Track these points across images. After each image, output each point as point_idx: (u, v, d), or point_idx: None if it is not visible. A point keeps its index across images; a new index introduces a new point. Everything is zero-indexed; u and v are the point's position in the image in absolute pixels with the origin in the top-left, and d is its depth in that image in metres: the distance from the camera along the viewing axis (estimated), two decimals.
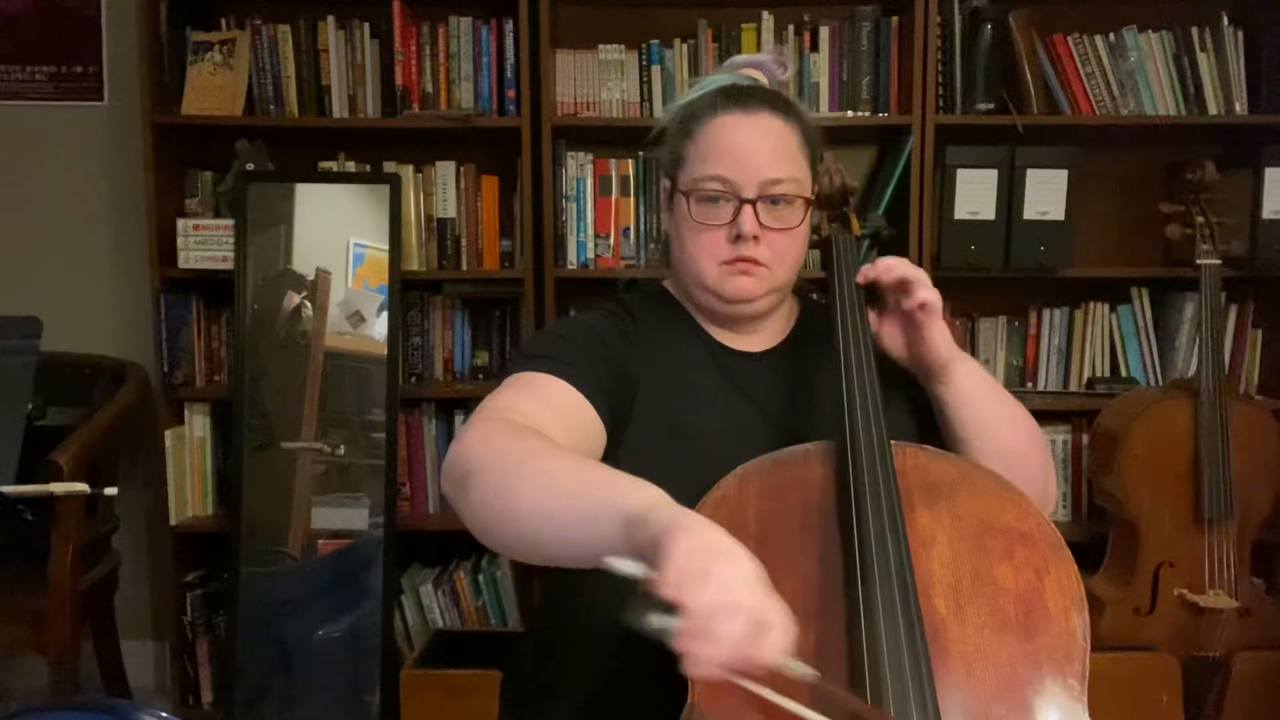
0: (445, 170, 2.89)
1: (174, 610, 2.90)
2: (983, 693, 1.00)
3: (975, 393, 1.32)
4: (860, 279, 1.35)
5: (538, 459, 1.04)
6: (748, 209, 1.29)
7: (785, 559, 1.07)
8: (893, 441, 1.17)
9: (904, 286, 1.31)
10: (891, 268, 1.32)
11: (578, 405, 1.22)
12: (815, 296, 1.55)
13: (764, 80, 1.43)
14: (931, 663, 0.98)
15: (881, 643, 0.98)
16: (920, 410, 1.38)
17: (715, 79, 1.42)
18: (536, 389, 1.22)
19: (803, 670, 0.86)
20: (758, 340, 1.41)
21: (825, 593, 1.04)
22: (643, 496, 0.93)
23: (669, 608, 0.81)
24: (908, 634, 0.99)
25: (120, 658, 2.84)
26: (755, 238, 1.30)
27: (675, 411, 1.31)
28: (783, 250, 1.33)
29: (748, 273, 1.32)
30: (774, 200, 1.31)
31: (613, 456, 1.26)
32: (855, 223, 1.48)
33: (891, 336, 1.35)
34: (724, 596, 0.81)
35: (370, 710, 2.70)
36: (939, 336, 1.30)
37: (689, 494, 1.12)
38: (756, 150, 1.31)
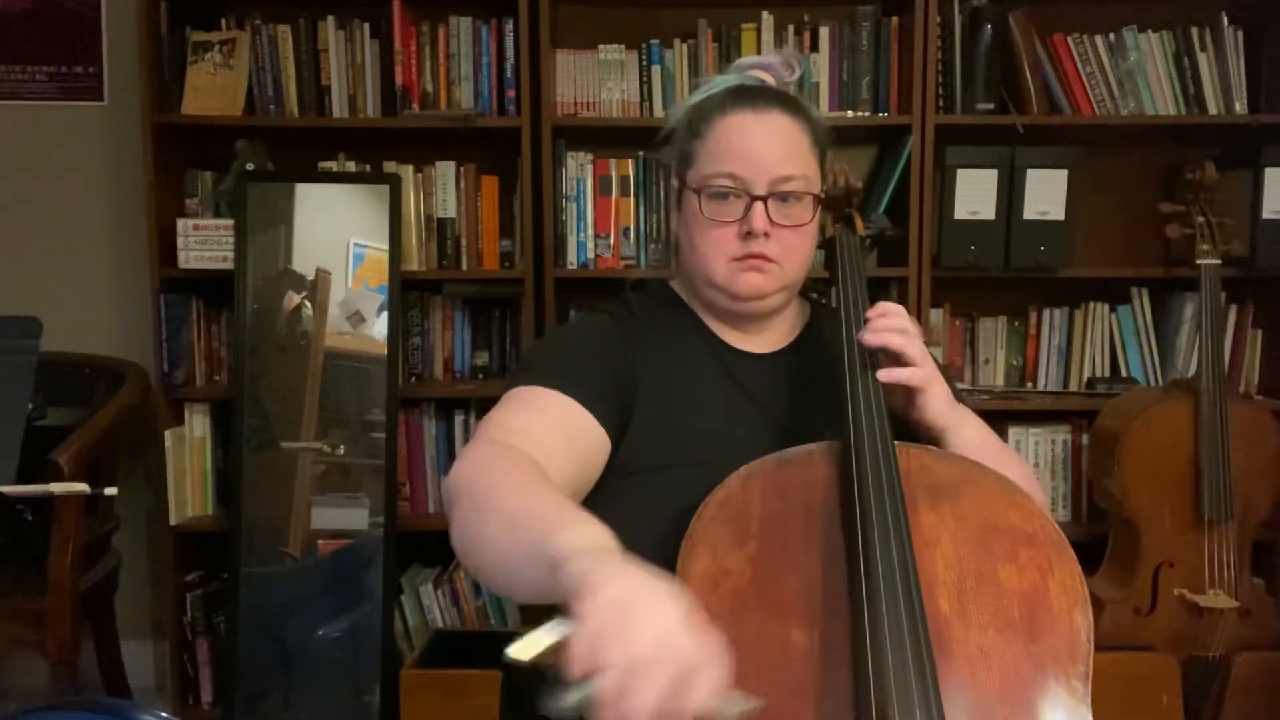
0: (445, 170, 2.89)
1: (174, 610, 2.90)
2: (986, 693, 1.00)
3: (970, 451, 1.27)
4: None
5: (504, 495, 1.02)
6: (758, 206, 1.30)
7: (789, 559, 1.07)
8: (896, 442, 1.17)
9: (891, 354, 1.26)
10: (879, 331, 1.25)
11: (579, 419, 1.22)
12: (816, 296, 1.55)
13: (771, 81, 1.44)
14: (935, 663, 0.98)
15: (885, 643, 0.98)
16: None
17: (723, 79, 1.43)
18: (537, 405, 1.22)
19: (743, 705, 0.80)
20: (764, 340, 1.41)
21: (829, 593, 1.04)
22: (573, 538, 0.88)
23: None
24: (911, 634, 0.98)
25: (120, 658, 2.84)
26: (766, 234, 1.30)
27: (677, 412, 1.31)
28: (793, 247, 1.33)
29: (758, 269, 1.32)
30: (784, 197, 1.31)
31: (614, 458, 1.27)
32: (859, 223, 1.48)
33: (891, 393, 1.27)
34: (637, 652, 0.76)
35: (370, 710, 2.70)
36: (934, 402, 1.27)
37: (690, 494, 1.12)
38: (767, 148, 1.31)
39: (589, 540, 0.88)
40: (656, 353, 1.35)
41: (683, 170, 1.38)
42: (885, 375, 1.23)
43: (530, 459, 1.10)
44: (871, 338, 1.24)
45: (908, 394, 1.27)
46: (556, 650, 0.78)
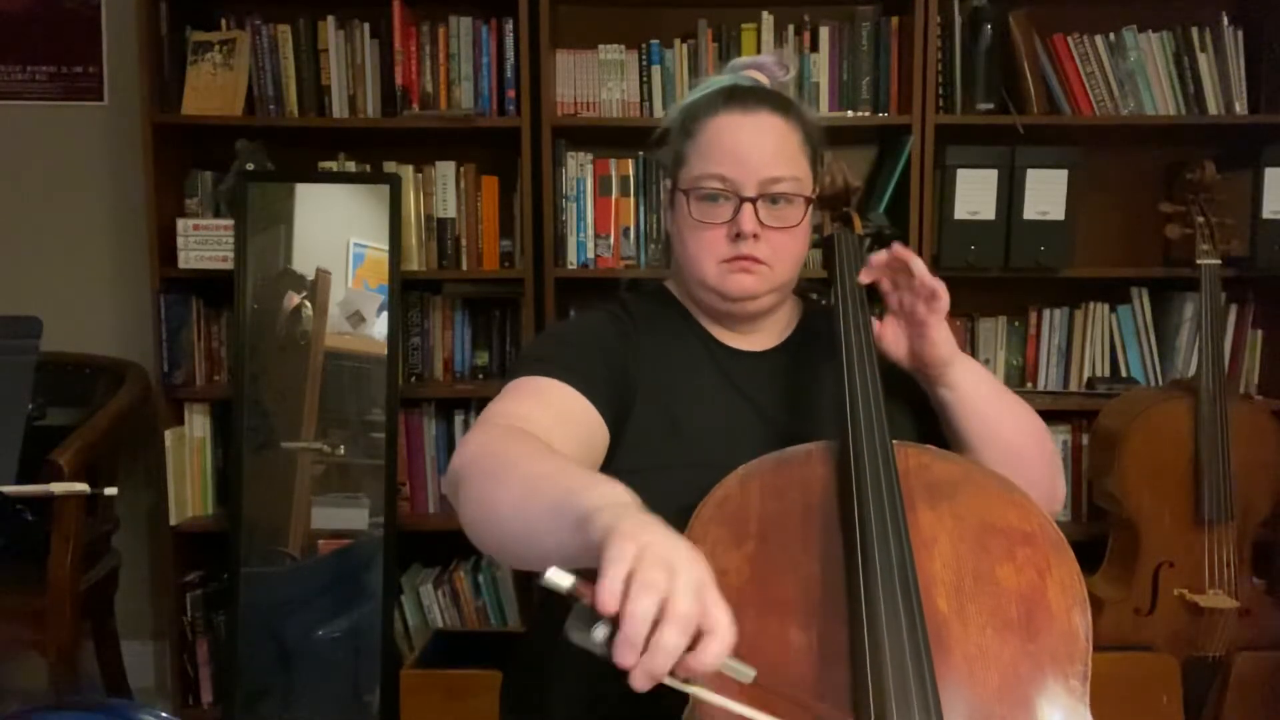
0: (445, 170, 2.89)
1: (174, 610, 2.90)
2: (985, 693, 1.00)
3: (978, 393, 1.32)
4: (865, 276, 1.35)
5: (521, 462, 1.03)
6: (747, 207, 1.30)
7: (787, 559, 1.07)
8: (895, 441, 1.16)
9: (911, 280, 1.30)
10: (900, 254, 1.31)
11: (580, 408, 1.22)
12: (814, 296, 1.55)
13: (765, 81, 1.44)
14: (934, 662, 0.98)
15: (884, 643, 0.98)
16: (921, 412, 1.38)
17: (717, 80, 1.43)
18: (538, 394, 1.22)
19: (745, 671, 0.83)
20: (758, 340, 1.41)
21: (827, 593, 1.04)
22: (598, 496, 0.90)
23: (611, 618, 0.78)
24: (910, 634, 0.98)
25: (120, 658, 2.84)
26: (755, 236, 1.30)
27: (674, 412, 1.31)
28: (783, 248, 1.33)
29: (748, 270, 1.32)
30: (774, 199, 1.31)
31: (612, 456, 1.27)
32: (858, 222, 1.48)
33: (893, 338, 1.33)
34: (659, 604, 0.78)
35: (370, 710, 2.70)
36: (942, 335, 1.30)
37: (688, 494, 1.12)
38: (756, 149, 1.31)
39: (616, 496, 0.90)
40: (653, 352, 1.35)
41: (675, 171, 1.38)
42: (901, 249, 1.31)
43: (537, 437, 1.11)
44: (895, 260, 1.30)
45: (919, 326, 1.29)
46: (590, 585, 0.80)
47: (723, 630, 0.80)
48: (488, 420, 1.16)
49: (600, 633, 0.79)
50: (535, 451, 1.06)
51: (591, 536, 0.84)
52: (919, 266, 1.29)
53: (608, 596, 0.78)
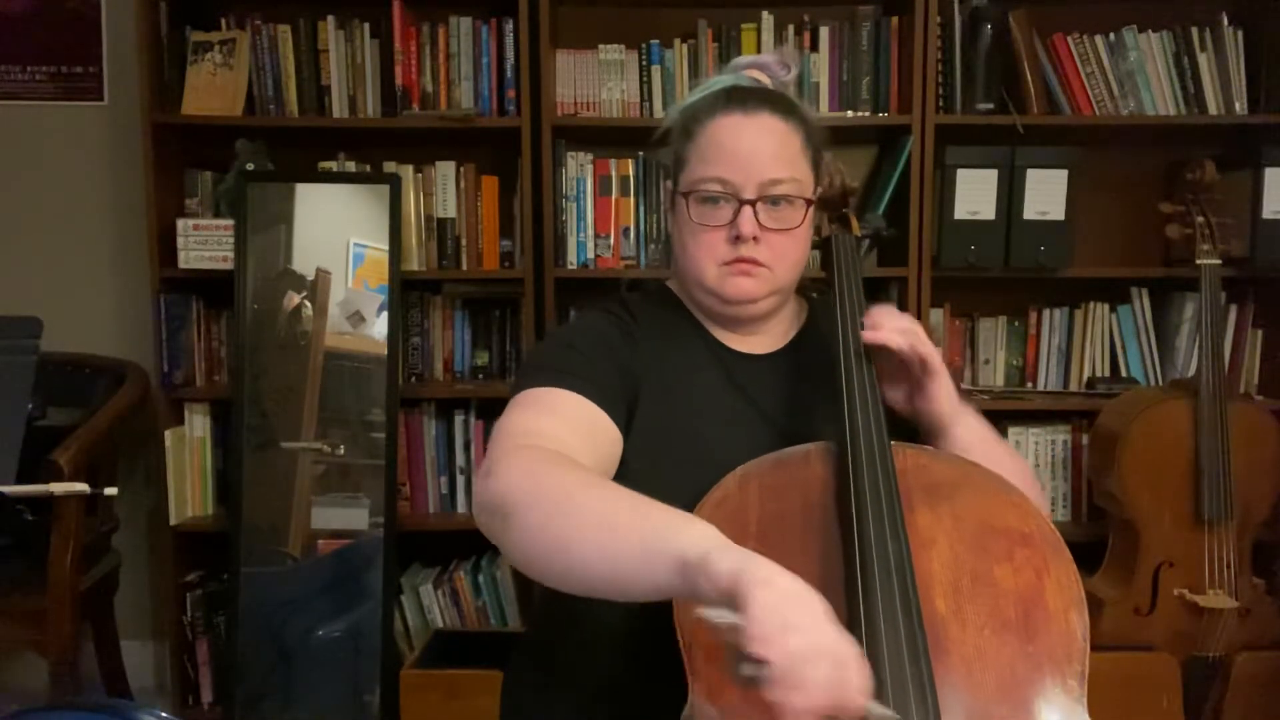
0: (445, 170, 2.89)
1: (174, 610, 2.90)
2: (983, 693, 1.00)
3: (973, 450, 1.28)
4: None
5: (581, 493, 1.03)
6: (747, 210, 1.29)
7: (786, 559, 1.06)
8: (893, 442, 1.16)
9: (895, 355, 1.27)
10: (881, 329, 1.26)
11: (594, 418, 1.22)
12: (815, 295, 1.55)
13: (767, 81, 1.43)
14: (932, 663, 0.98)
15: (882, 643, 0.97)
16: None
17: (718, 80, 1.42)
18: (552, 406, 1.21)
19: (883, 713, 0.87)
20: (761, 342, 1.41)
21: (826, 593, 1.03)
22: (698, 538, 0.92)
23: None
24: (908, 634, 0.98)
25: (120, 658, 2.84)
26: (755, 238, 1.29)
27: (677, 413, 1.31)
28: (783, 251, 1.32)
29: (748, 273, 1.31)
30: (774, 201, 1.30)
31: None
32: (855, 223, 1.48)
33: (892, 387, 1.30)
34: (807, 643, 0.83)
35: (370, 710, 2.70)
36: (944, 392, 1.28)
37: (688, 494, 1.12)
38: (757, 151, 1.30)
39: (715, 539, 0.92)
40: (655, 354, 1.35)
41: (675, 172, 1.37)
42: (871, 335, 1.26)
43: (570, 458, 1.10)
44: (876, 339, 1.25)
45: (917, 383, 1.27)
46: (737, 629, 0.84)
47: (858, 661, 0.86)
48: (510, 438, 1.14)
49: (752, 669, 0.83)
50: (590, 482, 1.05)
51: (709, 582, 0.87)
52: (897, 341, 1.25)
53: (760, 641, 0.83)
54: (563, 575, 1.02)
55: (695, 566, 0.89)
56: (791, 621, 0.83)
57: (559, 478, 1.05)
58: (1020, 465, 1.32)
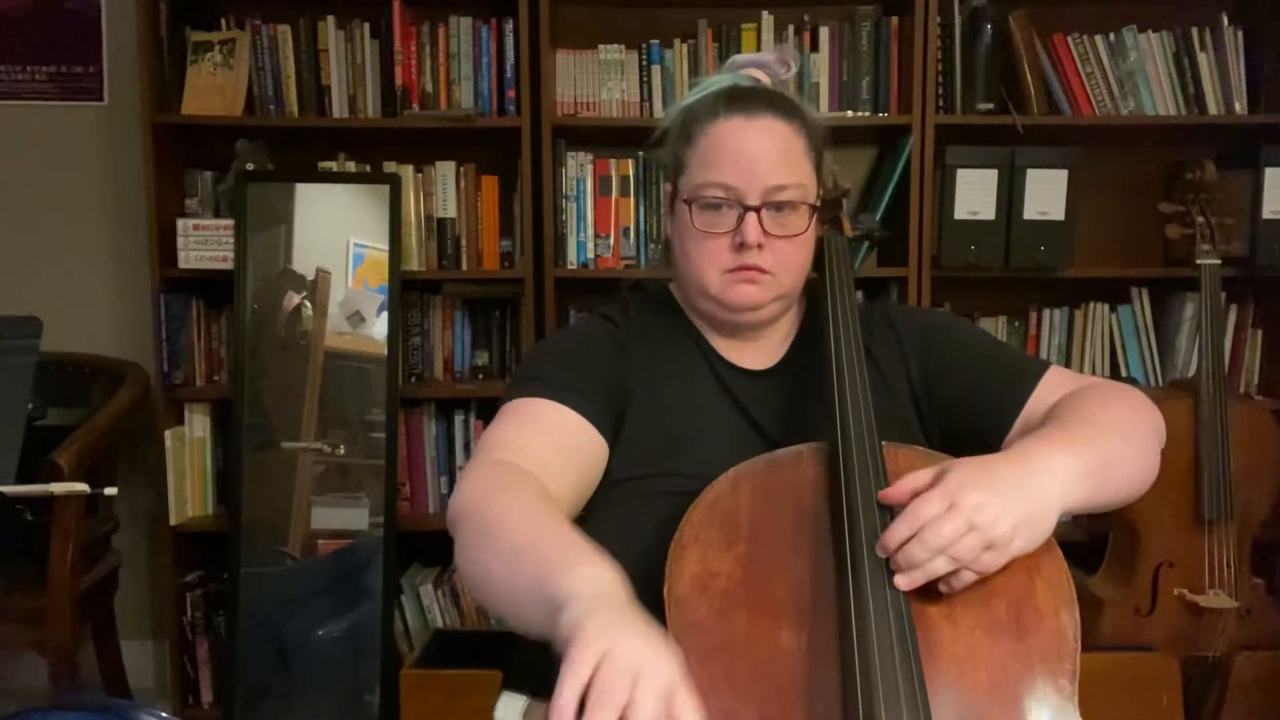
0: (445, 170, 2.89)
1: (174, 610, 2.90)
2: (974, 693, 1.00)
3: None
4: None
5: (510, 524, 1.02)
6: (751, 217, 1.27)
7: (778, 560, 1.07)
8: (885, 442, 1.16)
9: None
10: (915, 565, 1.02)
11: (578, 429, 1.22)
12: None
13: (767, 80, 1.42)
14: (922, 663, 0.98)
15: (873, 643, 0.97)
16: (922, 411, 1.37)
17: (717, 79, 1.40)
18: (537, 420, 1.21)
19: None
20: (760, 349, 1.39)
21: (817, 594, 1.04)
22: (575, 581, 0.88)
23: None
24: (899, 635, 0.98)
25: (120, 658, 2.84)
26: (759, 246, 1.27)
27: (668, 421, 1.30)
28: (788, 258, 1.30)
29: (752, 281, 1.30)
30: (778, 207, 1.28)
31: (606, 466, 1.26)
32: (847, 225, 1.47)
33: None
34: (618, 713, 0.77)
35: (370, 710, 2.70)
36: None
37: (678, 504, 1.12)
38: (760, 156, 1.28)
39: (590, 584, 0.88)
40: (650, 362, 1.34)
41: (675, 175, 1.35)
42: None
43: (534, 478, 1.11)
44: (903, 580, 1.02)
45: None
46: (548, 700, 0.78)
47: None
48: (485, 451, 1.16)
49: None
50: (526, 513, 1.04)
51: (560, 632, 0.83)
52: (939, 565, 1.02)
53: (557, 715, 0.76)
54: (483, 602, 1.03)
55: (557, 611, 0.85)
56: (607, 689, 0.77)
57: (503, 502, 1.05)
58: (1130, 412, 1.24)
